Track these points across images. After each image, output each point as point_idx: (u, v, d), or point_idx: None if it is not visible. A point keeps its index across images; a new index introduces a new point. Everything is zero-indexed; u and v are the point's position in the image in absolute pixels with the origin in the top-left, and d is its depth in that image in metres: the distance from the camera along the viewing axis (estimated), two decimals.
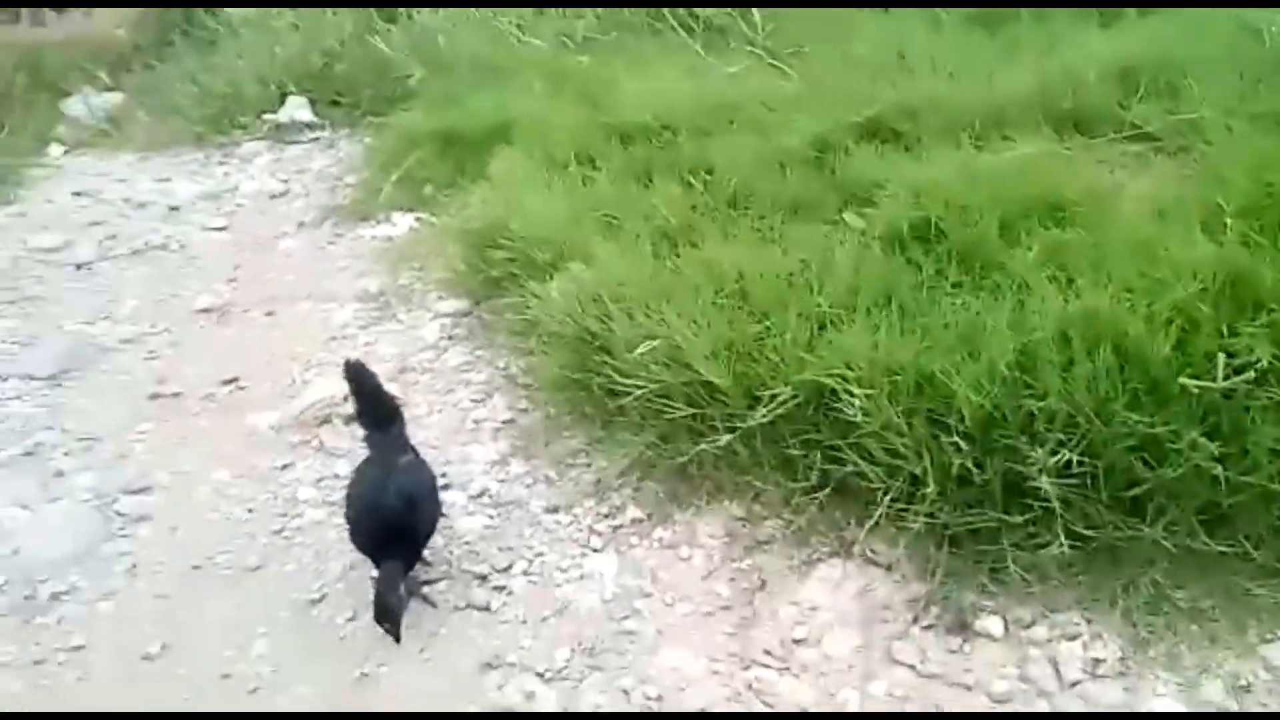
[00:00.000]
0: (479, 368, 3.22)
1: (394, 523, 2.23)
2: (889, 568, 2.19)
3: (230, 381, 3.37)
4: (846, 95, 3.90)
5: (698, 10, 5.38)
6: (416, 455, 2.43)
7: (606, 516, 2.49)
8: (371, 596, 2.12)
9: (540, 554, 2.42)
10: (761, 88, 4.23)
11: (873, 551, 2.23)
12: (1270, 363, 2.11)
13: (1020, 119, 3.56)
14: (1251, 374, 2.08)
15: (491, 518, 2.56)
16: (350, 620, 2.31)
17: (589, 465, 2.65)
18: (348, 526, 2.33)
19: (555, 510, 2.55)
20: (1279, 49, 3.56)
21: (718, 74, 4.60)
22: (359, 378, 2.45)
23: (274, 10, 6.64)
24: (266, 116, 5.83)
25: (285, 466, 2.89)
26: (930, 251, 2.84)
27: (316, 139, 5.66)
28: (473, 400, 3.06)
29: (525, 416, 2.92)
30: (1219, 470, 1.99)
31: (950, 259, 2.77)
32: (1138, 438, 2.05)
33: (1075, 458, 2.04)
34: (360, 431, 2.50)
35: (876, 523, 2.19)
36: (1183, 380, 2.08)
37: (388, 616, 2.13)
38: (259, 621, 2.33)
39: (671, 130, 3.99)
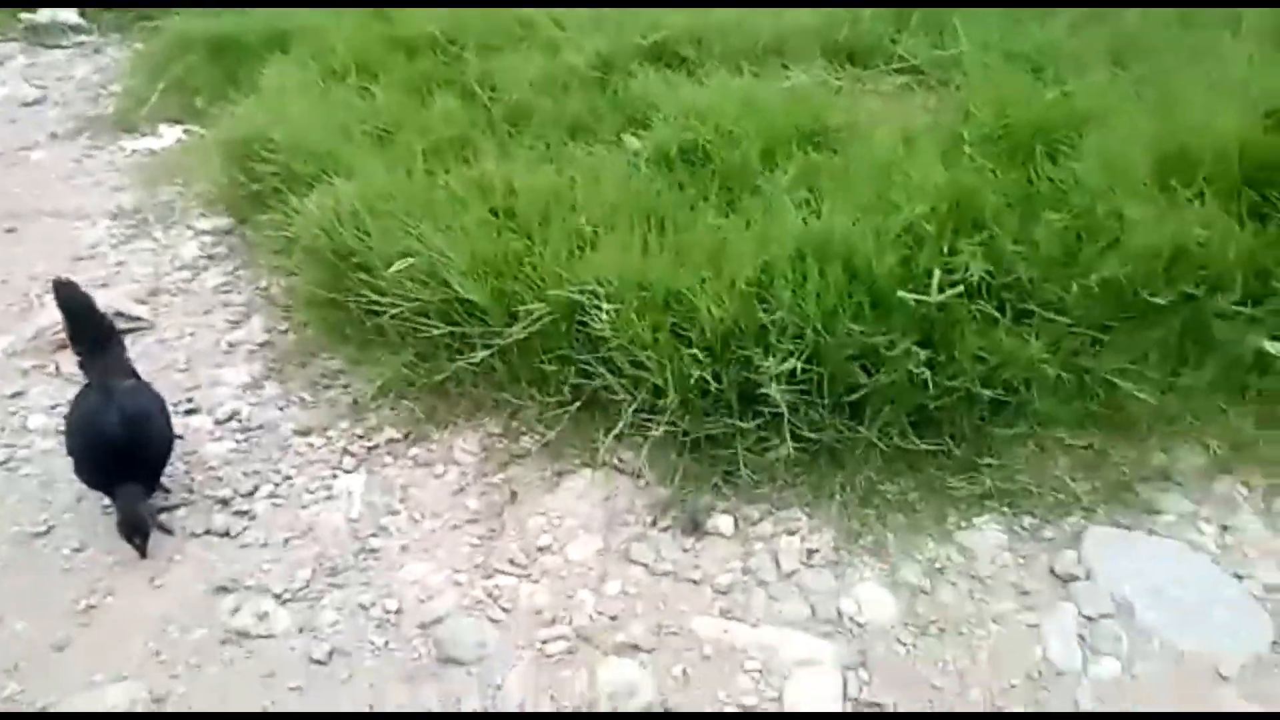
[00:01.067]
0: (238, 288, 3.06)
1: (120, 450, 2.10)
2: (634, 475, 2.26)
3: None
4: (637, 17, 3.89)
5: None
6: (138, 378, 2.29)
7: (361, 437, 2.44)
8: (104, 526, 2.01)
9: (288, 477, 2.35)
10: (557, 5, 4.14)
11: (620, 460, 2.28)
12: (981, 277, 2.29)
13: (800, 50, 3.65)
14: (962, 288, 2.24)
15: (239, 442, 2.46)
16: (77, 551, 2.18)
17: (346, 387, 2.59)
18: (71, 459, 2.19)
19: (307, 432, 2.47)
20: None
21: None
22: (69, 298, 2.28)
23: None
24: (24, 16, 5.25)
25: (16, 394, 2.67)
26: (696, 174, 2.90)
27: (81, 43, 5.15)
28: (229, 322, 2.91)
29: (283, 338, 2.81)
30: (928, 375, 2.14)
31: (713, 181, 2.84)
32: (859, 347, 2.17)
33: (801, 366, 2.14)
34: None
35: (621, 433, 2.25)
36: (901, 294, 2.21)
37: (137, 529, 2.06)
38: None
39: (458, 45, 3.87)
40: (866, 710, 1.78)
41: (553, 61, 3.67)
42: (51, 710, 1.84)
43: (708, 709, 1.80)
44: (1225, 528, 2.04)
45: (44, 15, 5.24)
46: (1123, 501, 2.10)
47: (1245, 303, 2.27)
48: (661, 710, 1.81)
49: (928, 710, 1.78)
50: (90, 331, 2.29)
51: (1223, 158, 2.51)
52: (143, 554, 2.10)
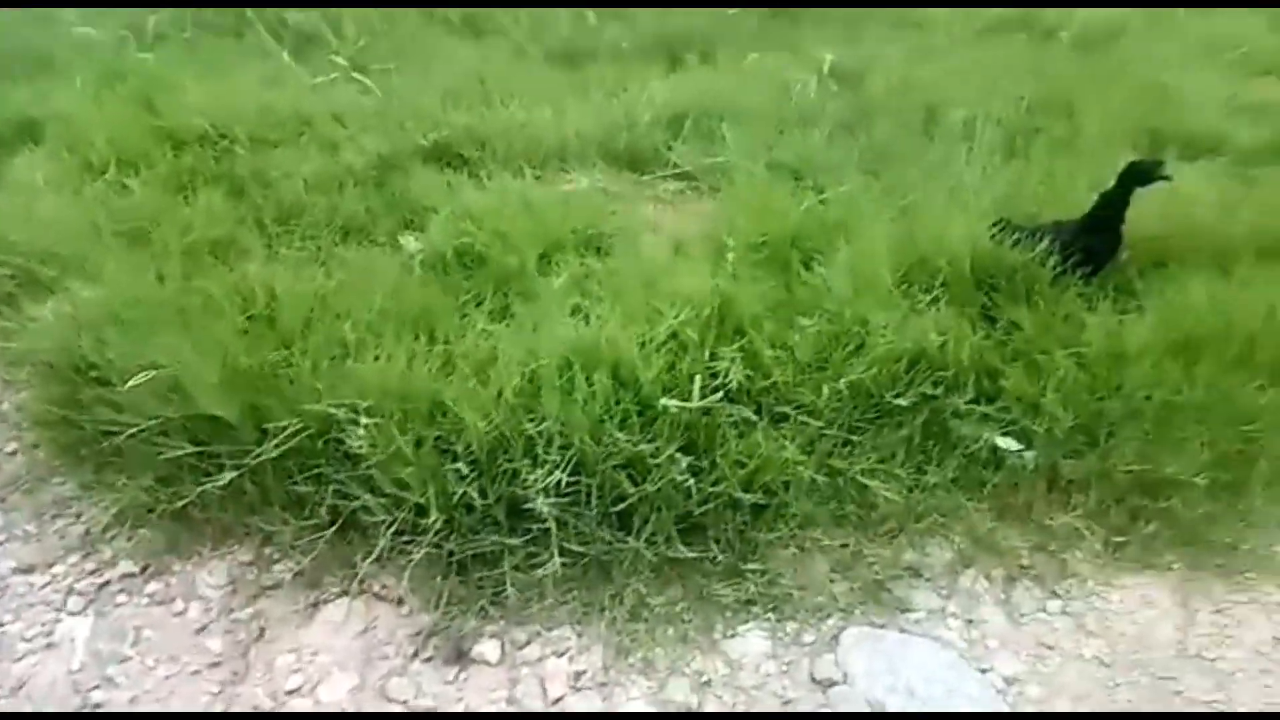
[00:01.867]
0: None
1: None
2: (396, 602, 2.14)
3: None
4: (419, 116, 3.88)
5: (288, 16, 5.12)
6: None
7: (92, 573, 2.21)
8: None
9: (2, 624, 2.09)
10: (341, 102, 4.07)
11: (382, 587, 2.17)
12: (740, 382, 2.36)
13: (581, 153, 3.74)
14: (723, 393, 2.30)
15: None
16: None
17: (78, 516, 2.35)
18: None
19: (29, 570, 2.22)
20: (802, 104, 4.06)
21: (299, 85, 4.37)
22: None
23: None
24: None
25: None
26: (471, 277, 2.88)
27: None
28: None
29: (10, 461, 2.53)
30: (692, 482, 2.17)
31: (489, 285, 2.82)
32: (625, 456, 2.18)
33: (567, 478, 2.12)
34: None
35: (379, 556, 2.14)
36: (664, 401, 2.24)
37: None
38: None
39: (230, 140, 3.72)
40: None
41: (331, 159, 3.59)
42: None
43: None
44: (970, 621, 2.14)
45: None
46: (877, 600, 2.17)
47: (979, 401, 2.45)
48: None
49: None
50: None
51: (957, 264, 2.73)
52: None
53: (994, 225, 2.85)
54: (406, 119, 3.88)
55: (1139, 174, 2.67)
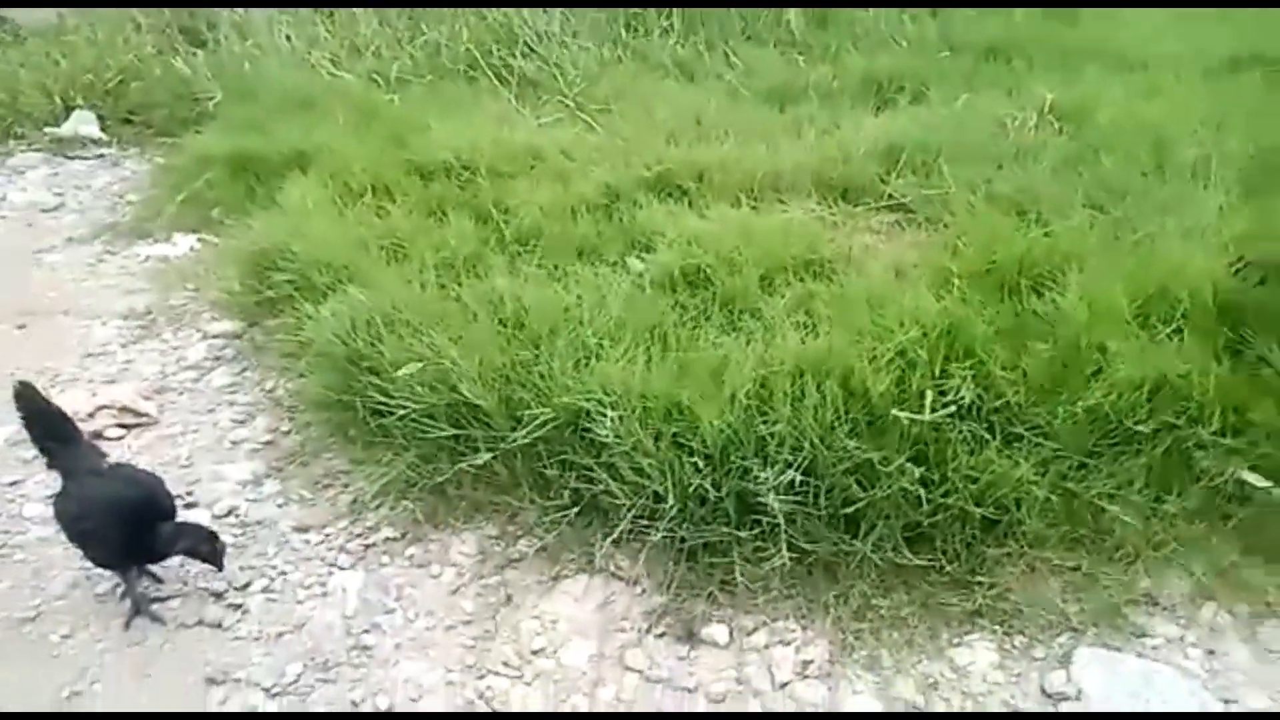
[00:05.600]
0: (244, 389, 3.12)
1: (142, 523, 2.14)
2: (631, 581, 2.27)
3: None
4: (642, 151, 4.11)
5: (513, 63, 5.54)
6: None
7: (359, 536, 2.46)
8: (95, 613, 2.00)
9: (283, 572, 2.36)
10: (566, 139, 4.38)
11: (617, 567, 2.30)
12: (972, 400, 2.37)
13: (795, 185, 3.86)
14: (954, 409, 2.33)
15: (236, 536, 2.47)
16: (65, 638, 2.16)
17: (346, 486, 2.61)
18: (79, 542, 2.20)
19: (305, 530, 2.49)
20: (1021, 140, 4.04)
21: (527, 124, 4.73)
22: (28, 398, 2.28)
23: (70, 23, 6.32)
24: (49, 129, 5.50)
25: (14, 483, 2.69)
26: (697, 295, 3.02)
27: (102, 155, 5.37)
28: (233, 421, 2.96)
29: (287, 438, 2.85)
30: (922, 493, 2.20)
31: (714, 302, 2.96)
32: (855, 462, 2.23)
33: (799, 478, 2.20)
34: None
35: (618, 539, 2.27)
36: (895, 412, 2.29)
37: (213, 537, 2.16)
38: None
39: (472, 171, 4.07)
40: None
41: (563, 189, 3.86)
42: None
43: None
44: (1211, 653, 2.06)
45: (67, 129, 5.49)
46: (1112, 624, 2.12)
47: (1224, 434, 2.36)
48: None
49: None
50: (55, 428, 2.30)
51: (1198, 296, 2.65)
52: (219, 566, 2.21)
53: (1235, 262, 2.74)
54: (629, 153, 4.12)
55: None
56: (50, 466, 2.31)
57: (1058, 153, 3.82)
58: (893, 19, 5.69)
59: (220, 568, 2.20)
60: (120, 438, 2.84)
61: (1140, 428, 2.34)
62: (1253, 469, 2.31)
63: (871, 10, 5.81)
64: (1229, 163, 3.57)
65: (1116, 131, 3.99)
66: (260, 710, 1.99)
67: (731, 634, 2.14)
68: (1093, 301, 2.64)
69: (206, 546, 2.17)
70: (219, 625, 2.18)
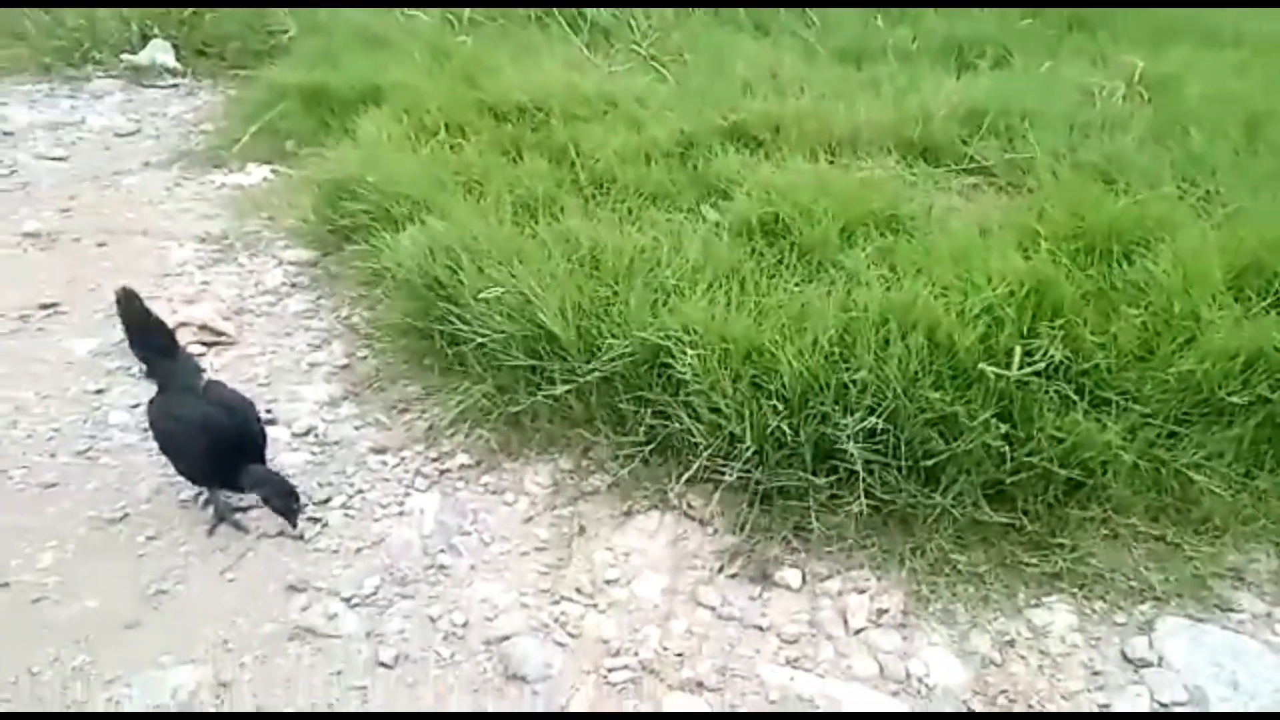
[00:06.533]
0: (320, 315, 3.16)
1: (239, 440, 2.17)
2: (703, 521, 2.27)
3: (50, 306, 3.19)
4: (717, 100, 4.06)
5: (585, 10, 5.47)
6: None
7: (434, 460, 2.48)
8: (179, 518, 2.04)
9: (361, 491, 2.39)
10: (639, 87, 4.33)
11: (690, 505, 2.30)
12: (1060, 361, 2.33)
13: (873, 143, 3.79)
14: (1042, 368, 2.28)
15: (315, 454, 2.51)
16: (151, 539, 2.22)
17: (423, 412, 2.64)
18: (170, 455, 2.24)
19: (382, 452, 2.52)
20: (1107, 109, 3.93)
21: (599, 71, 4.69)
22: (131, 305, 2.30)
23: None
24: (125, 56, 5.55)
25: (99, 391, 2.76)
26: (775, 244, 2.99)
27: (176, 85, 5.42)
28: (310, 345, 2.99)
29: (363, 364, 2.88)
30: (1005, 449, 2.17)
31: (793, 252, 2.92)
32: (938, 414, 2.21)
33: (880, 425, 2.18)
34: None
35: (693, 477, 2.27)
36: (982, 366, 2.26)
37: (290, 493, 2.15)
38: (50, 535, 2.21)
39: (545, 113, 4.04)
40: None
41: (636, 135, 3.83)
42: (120, 680, 1.85)
43: None
44: None
45: (144, 57, 5.53)
46: (1196, 595, 2.08)
47: None
48: None
49: None
50: (156, 338, 2.33)
51: None
52: (293, 524, 2.18)
53: None
54: (703, 103, 4.06)
55: None
56: (148, 376, 2.35)
57: (1145, 124, 3.72)
58: None
59: (294, 525, 2.18)
60: (201, 355, 2.88)
61: (1233, 399, 2.28)
62: None
63: None
64: None
65: (1206, 106, 3.87)
66: (339, 614, 2.02)
67: (805, 578, 2.13)
68: (1187, 269, 2.57)
69: (281, 502, 2.14)
70: (300, 537, 2.22)
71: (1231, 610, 2.06)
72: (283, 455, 2.50)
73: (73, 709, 1.81)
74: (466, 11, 5.54)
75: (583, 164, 3.60)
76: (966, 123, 3.85)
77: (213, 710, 1.82)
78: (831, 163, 3.63)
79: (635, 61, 4.87)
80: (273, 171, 4.28)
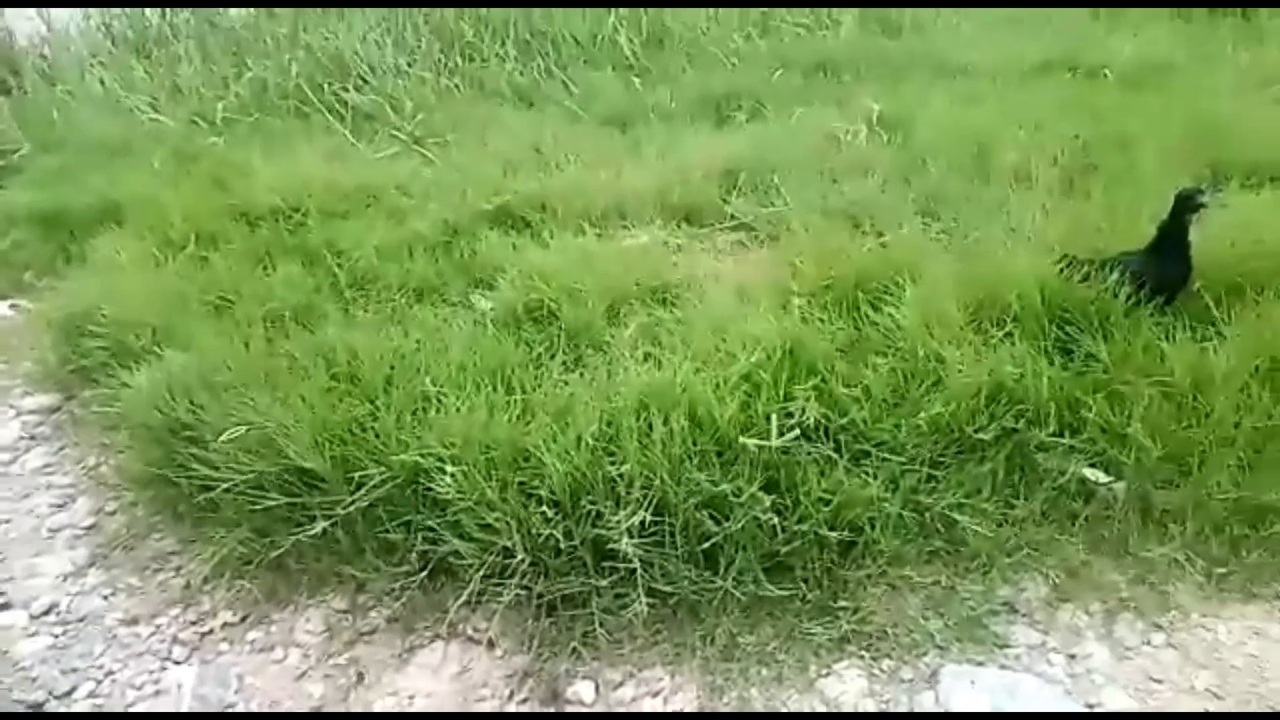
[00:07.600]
0: (64, 468, 2.87)
1: None
2: (489, 645, 2.16)
3: None
4: (481, 183, 4.01)
5: (346, 96, 5.34)
6: None
7: (194, 624, 2.27)
8: None
9: (111, 673, 2.16)
10: (402, 174, 4.23)
11: (475, 630, 2.19)
12: (817, 420, 2.37)
13: (638, 210, 3.82)
14: (800, 431, 2.32)
15: (56, 637, 2.25)
16: None
17: (178, 569, 2.42)
18: None
19: (134, 622, 2.28)
20: (852, 153, 4.13)
21: (362, 159, 4.56)
22: None
23: None
24: None
25: None
26: (543, 331, 2.94)
27: None
28: (52, 505, 2.71)
29: (111, 520, 2.62)
30: (775, 521, 2.18)
31: (560, 337, 2.88)
32: (706, 495, 2.19)
33: (650, 517, 2.14)
34: None
35: (470, 600, 2.16)
36: (743, 439, 2.27)
37: None
38: None
39: (302, 213, 3.87)
40: None
41: (399, 227, 3.72)
42: None
43: None
44: (1073, 656, 2.09)
45: None
46: (974, 637, 2.14)
47: (1062, 433, 2.43)
48: None
49: None
50: None
51: (1027, 299, 2.73)
52: None
53: (1060, 260, 2.85)
54: (468, 186, 4.00)
55: (1188, 201, 2.68)
56: None
57: (888, 164, 3.92)
58: (724, 38, 5.77)
59: None
60: None
61: (981, 435, 2.39)
62: (1092, 466, 2.39)
63: (703, 30, 5.88)
64: (1050, 164, 3.74)
65: (941, 139, 4.13)
66: None
67: (598, 689, 2.06)
68: (927, 311, 2.69)
69: None
70: None
71: (1007, 646, 2.13)
72: (20, 644, 2.24)
73: None
74: (219, 109, 5.29)
75: (341, 265, 3.46)
76: (724, 180, 3.96)
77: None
78: (599, 235, 3.63)
79: (400, 146, 4.76)
80: (11, 307, 3.92)
